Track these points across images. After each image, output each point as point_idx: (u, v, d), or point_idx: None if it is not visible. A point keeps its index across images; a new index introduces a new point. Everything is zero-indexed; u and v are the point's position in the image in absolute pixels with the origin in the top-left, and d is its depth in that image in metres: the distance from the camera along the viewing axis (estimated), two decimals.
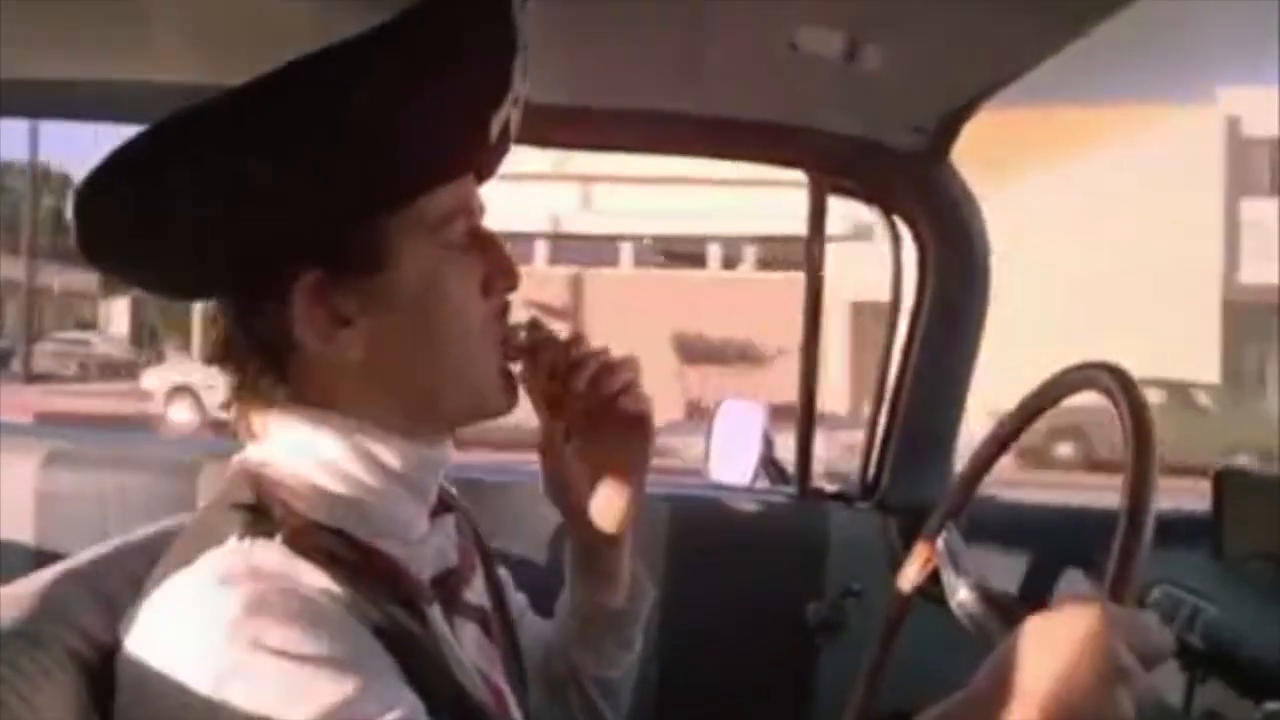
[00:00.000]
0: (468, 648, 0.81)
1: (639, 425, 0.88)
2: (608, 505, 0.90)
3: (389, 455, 0.78)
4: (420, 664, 0.72)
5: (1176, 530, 1.24)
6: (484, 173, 0.85)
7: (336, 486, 0.76)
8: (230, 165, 0.71)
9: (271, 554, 0.69)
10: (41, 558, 0.85)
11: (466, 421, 0.83)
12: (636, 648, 0.99)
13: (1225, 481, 1.31)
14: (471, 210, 0.81)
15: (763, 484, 1.69)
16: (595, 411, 0.86)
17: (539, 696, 0.97)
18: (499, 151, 0.83)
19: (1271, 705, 0.93)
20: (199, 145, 0.71)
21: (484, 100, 0.76)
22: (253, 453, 0.79)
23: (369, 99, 0.71)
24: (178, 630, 0.67)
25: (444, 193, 0.78)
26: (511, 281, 0.82)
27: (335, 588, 0.69)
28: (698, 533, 1.51)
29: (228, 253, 0.75)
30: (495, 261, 0.81)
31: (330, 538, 0.73)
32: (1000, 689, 0.66)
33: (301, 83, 0.70)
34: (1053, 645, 0.66)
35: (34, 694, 0.69)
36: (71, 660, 0.74)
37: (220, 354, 0.79)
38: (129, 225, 0.74)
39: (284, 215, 0.73)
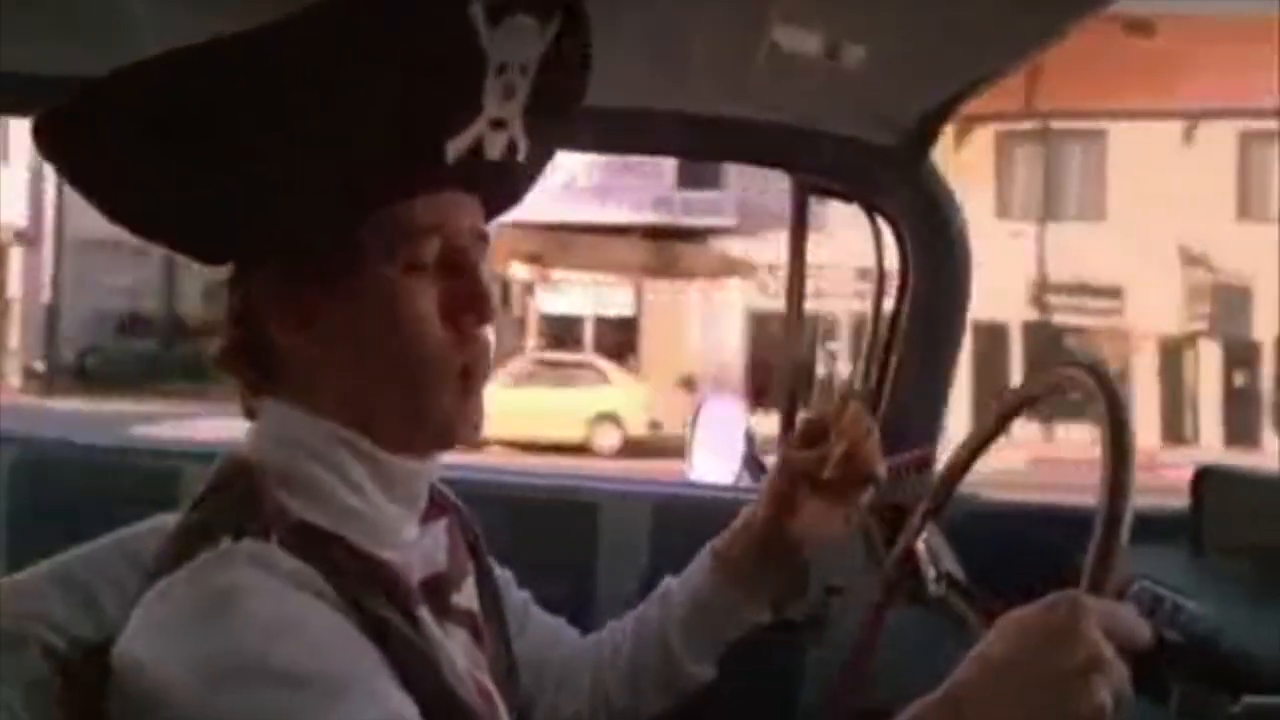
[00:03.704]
0: (456, 651, 0.81)
1: (872, 480, 0.97)
2: (818, 527, 0.99)
3: (368, 465, 0.77)
4: (412, 665, 0.72)
5: (1155, 526, 1.25)
6: (494, 200, 0.83)
7: (325, 489, 0.76)
8: (188, 126, 0.70)
9: (264, 554, 0.69)
10: (17, 563, 0.85)
11: (418, 448, 0.80)
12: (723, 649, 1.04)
13: (1204, 478, 1.32)
14: (451, 231, 0.78)
15: (746, 482, 1.69)
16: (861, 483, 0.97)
17: (567, 690, 0.99)
18: (503, 176, 0.81)
19: (1250, 699, 0.94)
20: (153, 94, 0.69)
21: (436, 119, 0.74)
22: (249, 445, 0.78)
23: (316, 97, 0.69)
24: (170, 634, 0.67)
25: (416, 207, 0.76)
26: (480, 314, 0.79)
27: (328, 588, 0.69)
28: (680, 532, 1.50)
29: (198, 217, 0.75)
30: (463, 290, 0.78)
31: (322, 538, 0.72)
32: (979, 684, 0.66)
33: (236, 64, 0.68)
34: (1029, 637, 0.66)
35: (12, 693, 0.69)
36: (50, 659, 0.74)
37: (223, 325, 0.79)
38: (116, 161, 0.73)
39: (233, 192, 0.72)
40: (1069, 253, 15.63)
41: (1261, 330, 16.23)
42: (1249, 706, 0.93)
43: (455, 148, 0.75)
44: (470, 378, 0.79)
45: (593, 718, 0.99)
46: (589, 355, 15.36)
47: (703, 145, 1.57)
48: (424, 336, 0.76)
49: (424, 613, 0.77)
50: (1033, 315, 16.25)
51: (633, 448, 12.49)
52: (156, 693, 0.65)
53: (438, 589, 0.82)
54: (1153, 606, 1.12)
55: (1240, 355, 16.30)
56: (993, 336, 16.20)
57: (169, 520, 0.81)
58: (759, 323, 16.42)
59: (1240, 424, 15.68)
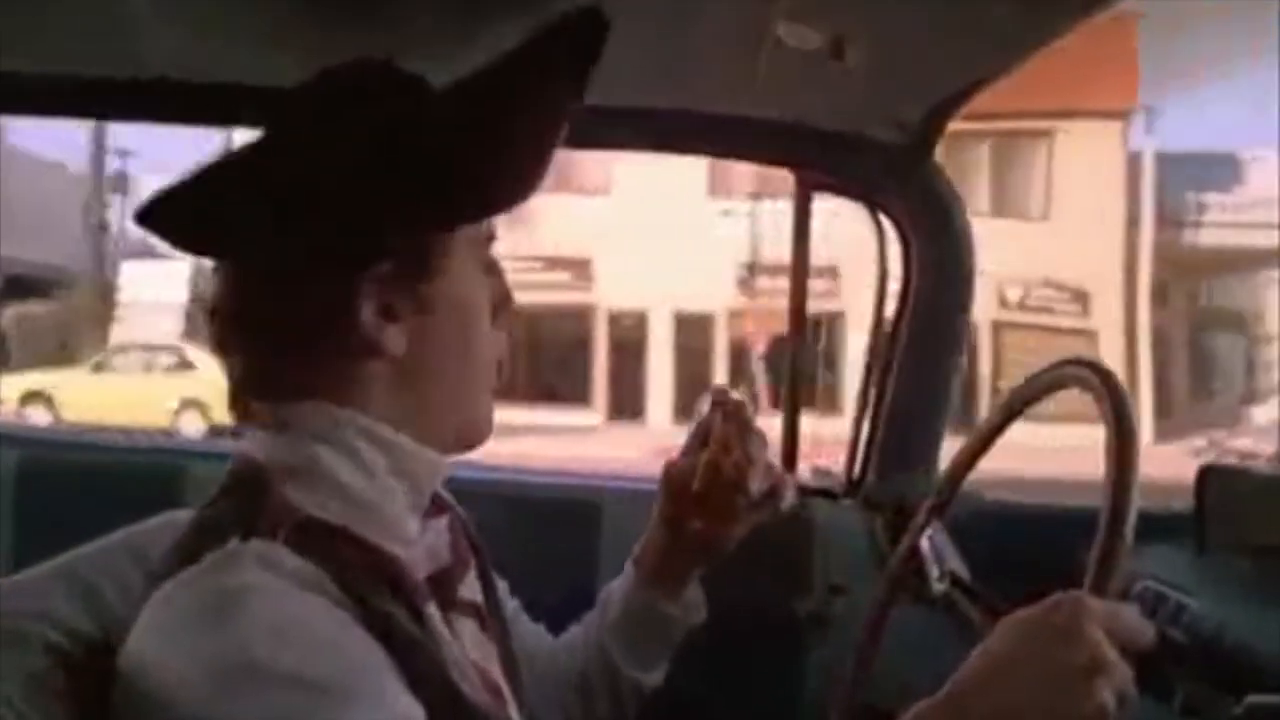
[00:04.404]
0: (466, 644, 0.81)
1: (775, 497, 0.97)
2: (718, 537, 0.99)
3: (400, 453, 0.78)
4: (418, 665, 0.71)
5: (1159, 525, 1.25)
6: None
7: (332, 472, 0.76)
8: (330, 150, 0.75)
9: (271, 554, 0.69)
10: (22, 564, 0.85)
11: (450, 445, 0.83)
12: (669, 653, 1.04)
13: (1207, 477, 1.32)
14: (491, 237, 0.85)
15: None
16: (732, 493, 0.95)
17: (542, 698, 0.98)
18: None
19: (1253, 698, 0.94)
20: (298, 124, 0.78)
21: (550, 143, 0.81)
22: (256, 445, 0.78)
23: (462, 129, 0.77)
24: (176, 634, 0.67)
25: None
26: (510, 311, 0.85)
27: (334, 588, 0.69)
28: None
29: (312, 230, 0.76)
30: (502, 289, 0.85)
31: (328, 532, 0.72)
32: (981, 684, 0.66)
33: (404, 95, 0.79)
34: (1032, 639, 0.66)
35: (15, 689, 0.69)
36: (53, 656, 0.74)
37: (233, 338, 0.79)
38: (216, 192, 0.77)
39: (368, 208, 0.76)
40: (784, 232, 14.82)
41: (977, 313, 16.20)
42: (1252, 705, 0.93)
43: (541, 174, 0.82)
44: (499, 370, 0.85)
45: None
46: (176, 342, 14.79)
47: (706, 143, 1.57)
48: (485, 333, 0.83)
49: (431, 609, 0.77)
50: (741, 301, 15.64)
51: (219, 434, 12.64)
52: (162, 693, 0.65)
53: (443, 582, 0.83)
54: (1156, 606, 1.12)
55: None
56: (698, 328, 16.06)
57: (176, 517, 0.81)
58: None
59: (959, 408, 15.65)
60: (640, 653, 1.01)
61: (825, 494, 1.62)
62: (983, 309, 15.79)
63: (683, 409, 15.46)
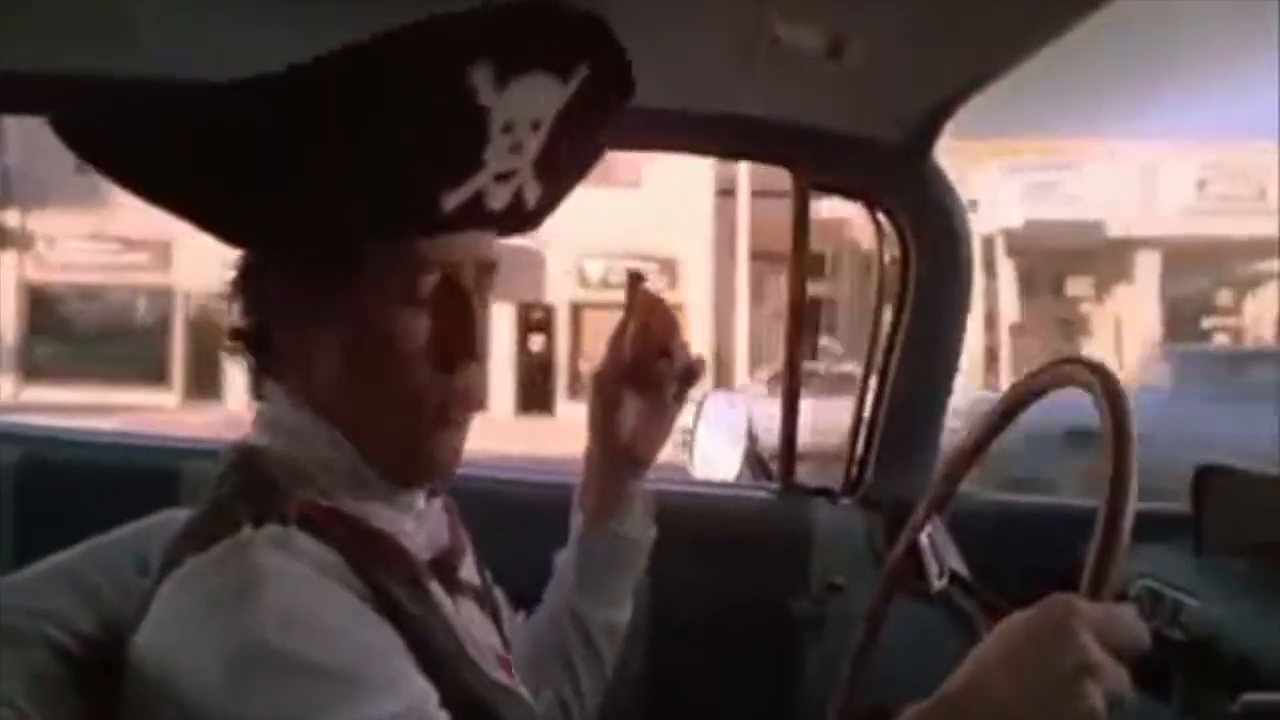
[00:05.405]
0: (470, 623, 0.82)
1: (692, 374, 0.99)
2: (648, 433, 1.00)
3: (368, 482, 0.78)
4: (432, 647, 0.72)
5: (1158, 526, 1.26)
6: (507, 228, 0.82)
7: (333, 484, 0.77)
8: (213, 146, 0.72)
9: (285, 539, 0.70)
10: (23, 562, 0.85)
11: (397, 476, 0.80)
12: (633, 583, 1.04)
13: (1205, 478, 1.32)
14: (451, 266, 0.77)
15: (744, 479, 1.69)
16: (658, 357, 0.97)
17: (528, 680, 0.98)
18: (511, 215, 0.80)
19: (1249, 697, 0.94)
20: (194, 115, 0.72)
21: (431, 174, 0.73)
22: (255, 435, 0.80)
23: (309, 145, 0.71)
24: (191, 622, 0.68)
25: (417, 244, 0.75)
26: (469, 353, 0.78)
27: (349, 573, 0.70)
28: (683, 528, 1.51)
29: (226, 217, 0.76)
30: (455, 328, 0.77)
31: (337, 519, 0.73)
32: (975, 686, 0.66)
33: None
34: (1023, 641, 0.66)
35: (17, 687, 0.69)
36: (53, 653, 0.74)
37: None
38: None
39: (259, 206, 0.74)
40: None
41: (554, 293, 15.90)
42: (1249, 704, 0.94)
43: (453, 200, 0.74)
44: (446, 413, 0.79)
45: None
46: None
47: (704, 142, 1.57)
48: (407, 372, 0.76)
49: (435, 588, 0.78)
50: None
51: None
52: (178, 681, 0.65)
53: (444, 564, 0.84)
54: (1154, 605, 1.12)
55: (535, 320, 16.09)
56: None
57: (174, 515, 0.82)
58: (36, 295, 16.05)
59: (534, 390, 15.71)
60: (608, 591, 1.01)
61: (824, 493, 1.62)
62: (564, 288, 15.60)
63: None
